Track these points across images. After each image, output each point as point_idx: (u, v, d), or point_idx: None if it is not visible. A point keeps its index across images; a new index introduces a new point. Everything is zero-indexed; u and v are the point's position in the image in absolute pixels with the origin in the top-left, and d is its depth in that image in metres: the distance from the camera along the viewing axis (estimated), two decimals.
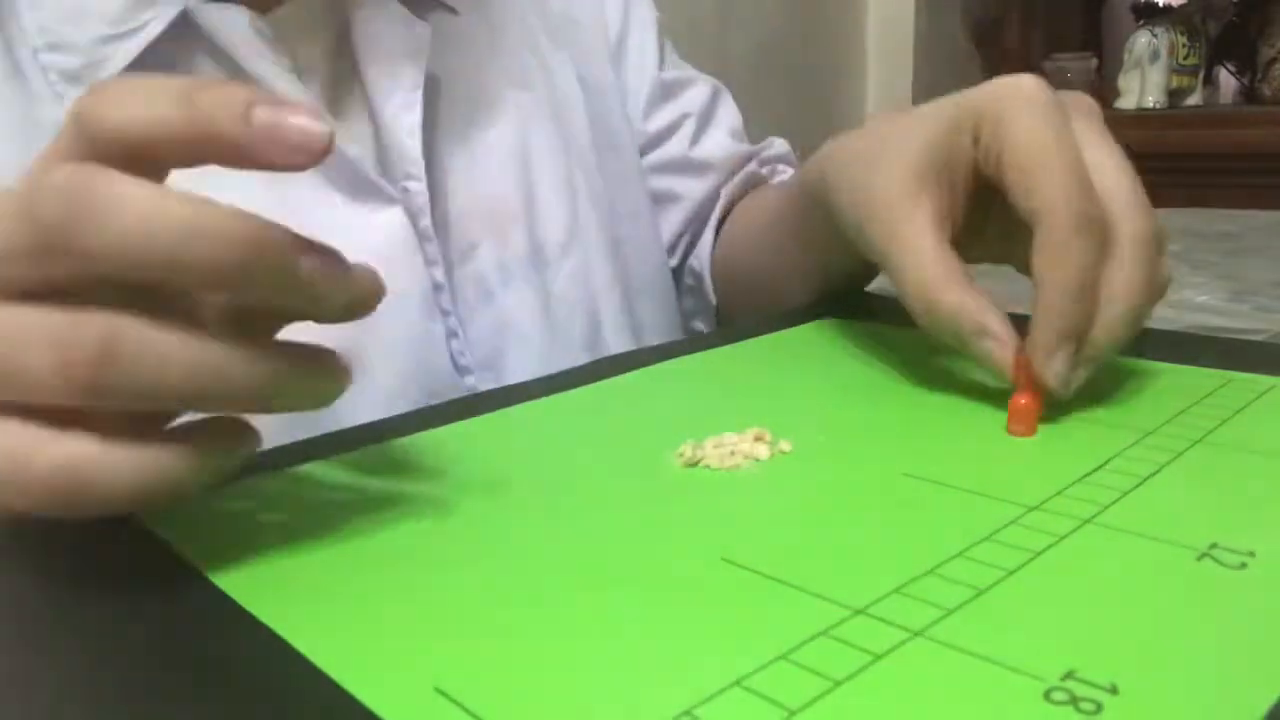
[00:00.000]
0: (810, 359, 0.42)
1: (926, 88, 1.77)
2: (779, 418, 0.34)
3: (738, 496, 0.28)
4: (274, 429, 0.40)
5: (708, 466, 0.30)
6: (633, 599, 0.23)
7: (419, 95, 0.48)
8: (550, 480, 0.30)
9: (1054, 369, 0.30)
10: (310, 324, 0.30)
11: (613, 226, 0.57)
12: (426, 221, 0.47)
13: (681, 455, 0.31)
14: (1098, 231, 0.30)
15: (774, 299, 0.54)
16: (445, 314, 0.48)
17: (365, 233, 0.45)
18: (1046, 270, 0.30)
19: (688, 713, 0.18)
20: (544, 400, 0.38)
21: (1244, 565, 0.23)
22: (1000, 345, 0.32)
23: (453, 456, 0.33)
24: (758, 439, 0.32)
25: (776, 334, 0.46)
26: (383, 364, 0.46)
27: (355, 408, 0.34)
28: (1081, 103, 0.34)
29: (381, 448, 0.34)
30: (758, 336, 0.46)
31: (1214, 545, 0.24)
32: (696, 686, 0.19)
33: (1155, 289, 0.32)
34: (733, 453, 0.31)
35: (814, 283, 0.52)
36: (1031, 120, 0.31)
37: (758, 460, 0.30)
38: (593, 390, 0.40)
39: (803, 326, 0.47)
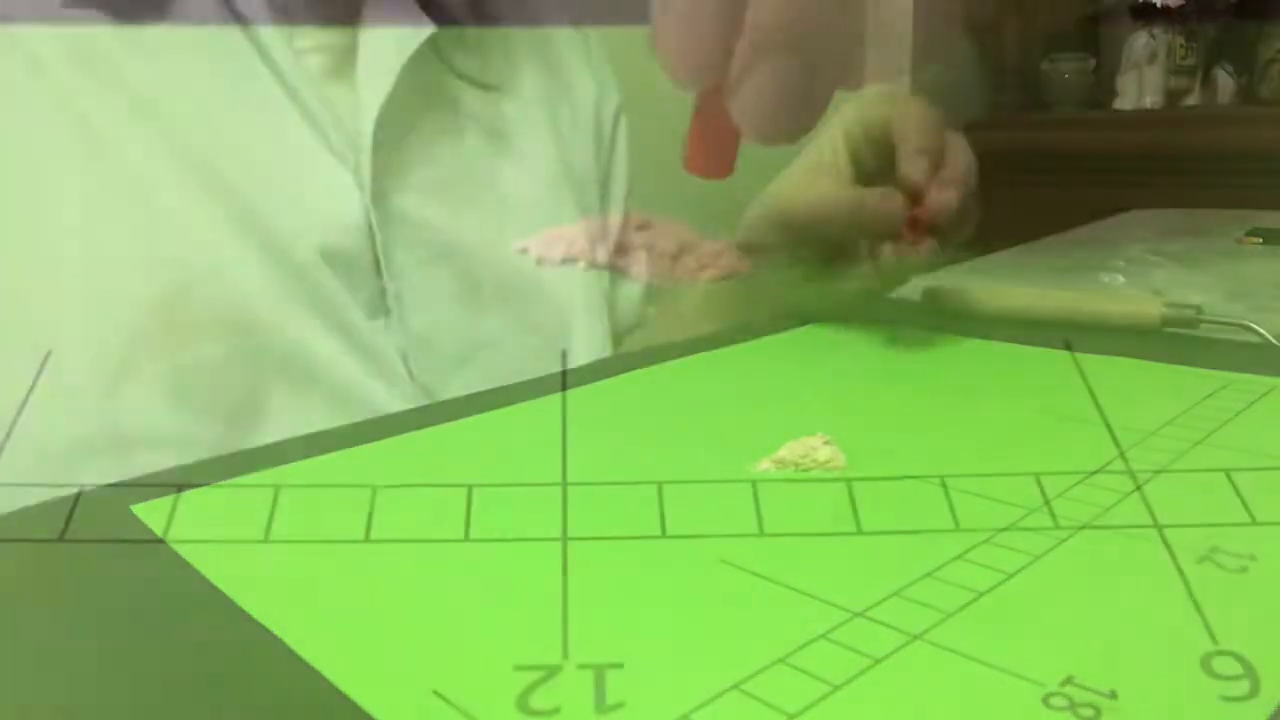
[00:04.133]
0: (809, 360, 0.42)
1: (925, 88, 1.76)
2: (777, 418, 0.34)
3: (736, 498, 0.28)
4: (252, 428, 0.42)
5: (791, 465, 0.30)
6: (630, 602, 0.22)
7: (390, 80, 0.48)
8: (548, 481, 0.30)
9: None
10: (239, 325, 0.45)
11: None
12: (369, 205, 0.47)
13: (768, 460, 0.31)
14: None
15: None
16: (387, 313, 0.48)
17: (321, 189, 0.47)
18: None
19: (685, 717, 0.18)
20: (541, 400, 0.38)
21: (1245, 569, 0.23)
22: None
23: (451, 456, 0.33)
24: (826, 444, 0.31)
25: (774, 335, 0.46)
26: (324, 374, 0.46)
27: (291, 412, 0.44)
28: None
29: (378, 447, 0.34)
30: (757, 337, 0.46)
31: (1214, 549, 0.23)
32: (693, 690, 0.19)
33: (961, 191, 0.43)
34: (807, 456, 0.30)
35: None
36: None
37: (831, 465, 0.30)
38: (589, 391, 0.39)
39: (802, 328, 0.47)
